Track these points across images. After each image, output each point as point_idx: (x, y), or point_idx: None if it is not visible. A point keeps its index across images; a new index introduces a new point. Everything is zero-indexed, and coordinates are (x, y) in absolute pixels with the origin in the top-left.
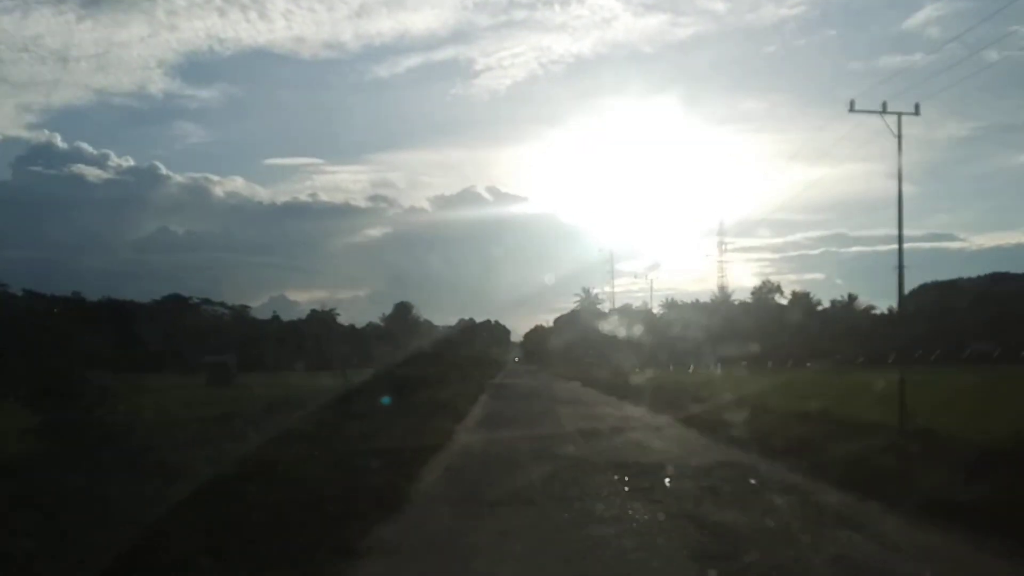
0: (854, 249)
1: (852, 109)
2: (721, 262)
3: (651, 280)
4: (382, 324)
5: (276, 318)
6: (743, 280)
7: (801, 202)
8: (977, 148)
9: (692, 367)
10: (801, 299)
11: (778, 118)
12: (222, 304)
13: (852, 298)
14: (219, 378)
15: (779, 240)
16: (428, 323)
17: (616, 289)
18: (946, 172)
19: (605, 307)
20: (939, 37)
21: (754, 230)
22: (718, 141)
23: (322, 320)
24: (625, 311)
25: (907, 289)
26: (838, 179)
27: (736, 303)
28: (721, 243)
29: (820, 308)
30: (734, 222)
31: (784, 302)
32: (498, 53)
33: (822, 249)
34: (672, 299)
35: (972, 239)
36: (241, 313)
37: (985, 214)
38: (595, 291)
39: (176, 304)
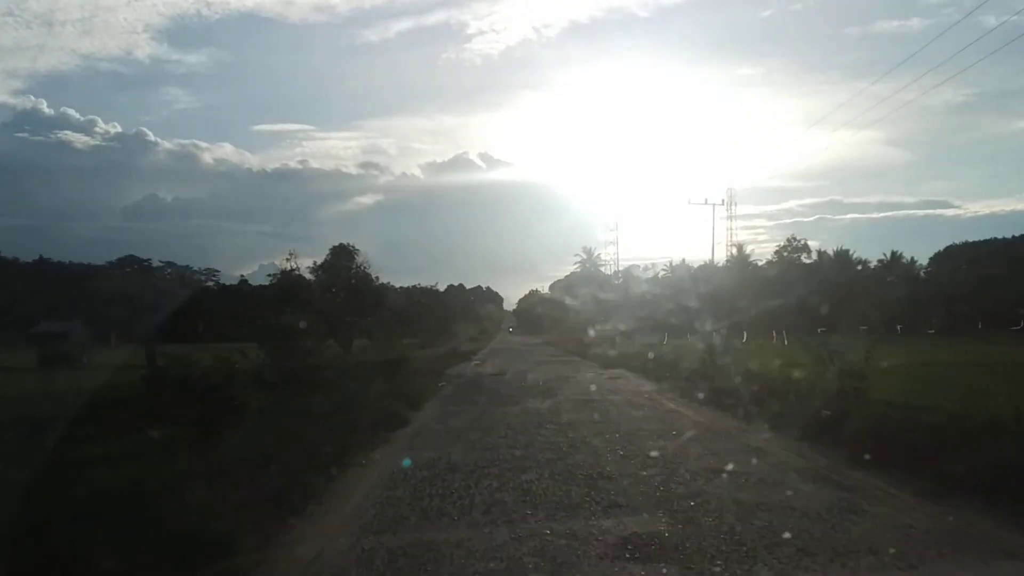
0: (848, 216)
1: None
2: (731, 222)
3: (730, 204)
4: (313, 277)
5: (244, 282)
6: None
7: (795, 169)
8: (974, 114)
9: (743, 337)
10: (840, 257)
11: (774, 84)
12: (188, 267)
13: (896, 256)
14: (52, 355)
15: (773, 207)
16: (408, 286)
17: (610, 255)
18: (942, 139)
19: (608, 269)
20: (936, 2)
21: (748, 197)
22: (713, 107)
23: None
24: (632, 273)
25: (932, 251)
26: (832, 145)
27: (762, 264)
28: (730, 202)
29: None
30: (729, 188)
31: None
32: (490, 17)
33: (817, 216)
34: (684, 260)
35: (967, 206)
36: (187, 277)
37: (981, 181)
38: (597, 252)
39: (126, 267)
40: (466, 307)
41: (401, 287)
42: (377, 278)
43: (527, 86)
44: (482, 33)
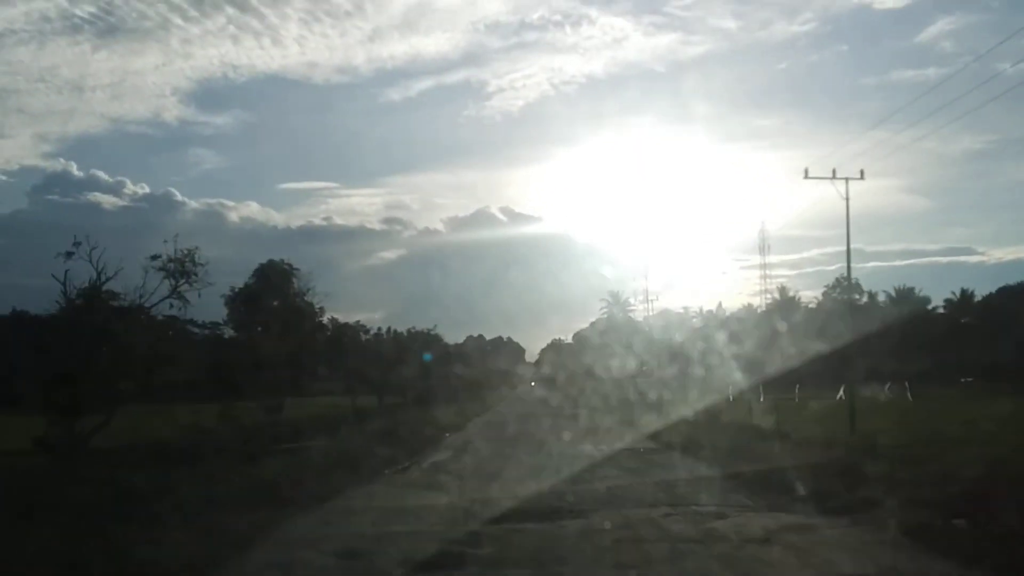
0: (871, 264)
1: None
2: (765, 270)
3: (763, 249)
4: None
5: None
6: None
7: (817, 217)
8: (993, 161)
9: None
10: (904, 298)
11: (792, 134)
12: (191, 321)
13: (967, 295)
14: None
15: (795, 256)
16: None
17: (639, 301)
18: (962, 185)
19: (638, 316)
20: (952, 51)
21: (769, 246)
22: (732, 158)
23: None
24: (667, 319)
25: (978, 295)
26: (853, 194)
27: (812, 307)
28: (763, 246)
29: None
30: (749, 239)
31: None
32: (510, 75)
33: (839, 264)
34: (720, 305)
35: (991, 252)
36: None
37: (1004, 227)
38: (625, 296)
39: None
40: (481, 358)
41: (378, 329)
42: (321, 309)
43: (547, 141)
44: (502, 91)
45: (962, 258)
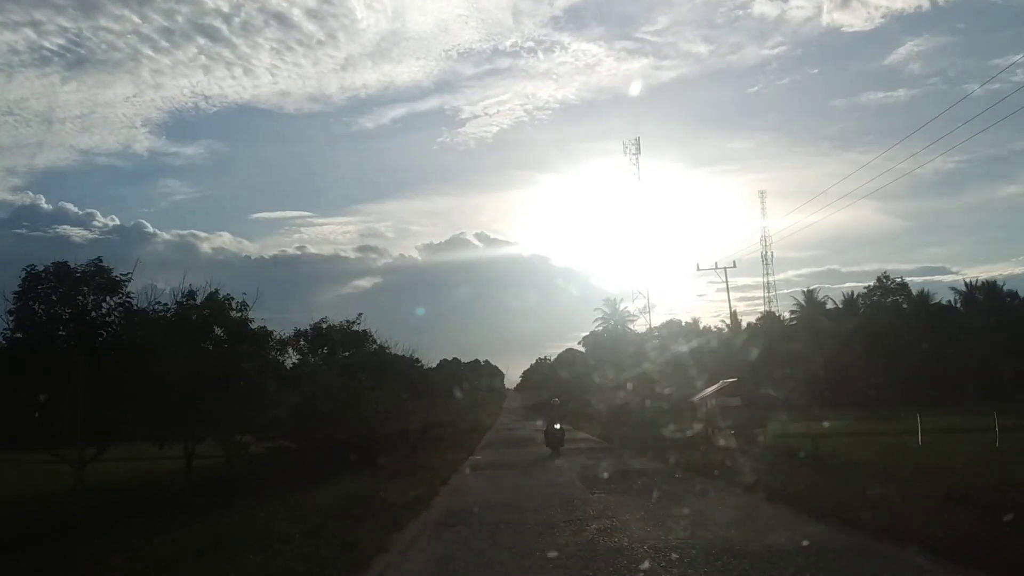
0: (847, 285)
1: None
2: (768, 279)
3: (766, 261)
4: None
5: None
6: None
7: (791, 239)
8: (964, 181)
9: None
10: (989, 291)
11: (765, 157)
12: None
13: (990, 284)
14: None
15: (770, 277)
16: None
17: (636, 311)
18: (935, 205)
19: (639, 326)
20: (920, 72)
21: (745, 268)
22: (706, 180)
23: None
24: (670, 328)
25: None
26: (827, 216)
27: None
28: (766, 253)
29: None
30: (724, 260)
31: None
32: (483, 101)
33: (815, 285)
34: (737, 318)
35: (965, 271)
36: None
37: (976, 246)
38: (623, 305)
39: None
40: (453, 385)
41: (183, 292)
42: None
43: (521, 166)
44: (476, 117)
45: (936, 277)
